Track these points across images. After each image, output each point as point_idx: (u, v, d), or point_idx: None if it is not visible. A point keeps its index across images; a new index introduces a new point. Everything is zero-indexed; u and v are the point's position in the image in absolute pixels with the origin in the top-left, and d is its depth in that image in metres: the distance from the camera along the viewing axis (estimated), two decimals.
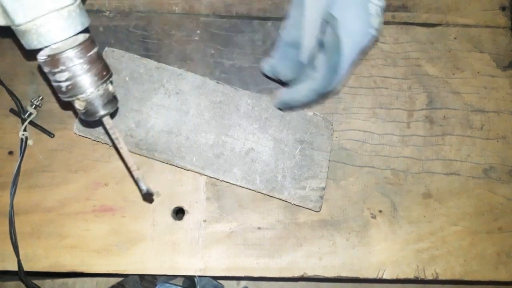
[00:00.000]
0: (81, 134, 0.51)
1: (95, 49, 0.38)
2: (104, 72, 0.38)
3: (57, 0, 0.34)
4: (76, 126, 0.50)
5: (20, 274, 0.49)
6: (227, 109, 0.52)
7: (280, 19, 0.57)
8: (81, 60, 0.36)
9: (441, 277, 0.51)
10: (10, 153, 0.52)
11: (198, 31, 0.56)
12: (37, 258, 0.49)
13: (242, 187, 0.51)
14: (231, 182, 0.50)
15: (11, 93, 0.52)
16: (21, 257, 0.49)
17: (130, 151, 0.51)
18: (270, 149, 0.51)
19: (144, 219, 0.51)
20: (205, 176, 0.52)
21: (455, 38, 0.57)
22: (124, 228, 0.50)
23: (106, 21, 0.55)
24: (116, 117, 0.51)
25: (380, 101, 0.55)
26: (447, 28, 0.58)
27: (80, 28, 0.37)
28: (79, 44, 0.36)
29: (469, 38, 0.57)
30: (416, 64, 0.56)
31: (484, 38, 0.58)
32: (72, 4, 0.35)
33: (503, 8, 0.59)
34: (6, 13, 0.34)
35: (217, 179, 0.51)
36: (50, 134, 0.52)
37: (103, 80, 0.38)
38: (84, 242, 0.50)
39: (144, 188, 0.41)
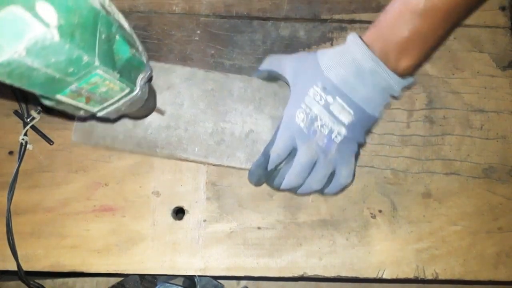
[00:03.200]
0: (80, 141, 0.50)
1: None
2: None
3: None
4: (74, 134, 0.50)
5: (20, 274, 0.49)
6: (220, 95, 0.52)
7: (280, 19, 0.57)
8: None
9: (441, 277, 0.51)
10: (10, 153, 0.52)
11: (198, 31, 0.56)
12: (37, 258, 0.49)
13: (248, 169, 0.51)
14: (237, 166, 0.51)
15: (18, 95, 0.52)
16: (21, 257, 0.49)
17: (132, 151, 0.51)
18: (269, 128, 0.51)
19: (144, 219, 0.51)
20: (205, 176, 0.52)
21: (454, 38, 0.57)
22: (124, 228, 0.50)
23: None
24: (113, 120, 0.50)
25: None
26: None
27: None
28: None
29: (468, 38, 0.57)
30: None
31: (483, 38, 0.58)
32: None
33: (502, 8, 0.59)
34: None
35: (222, 165, 0.51)
36: (49, 142, 0.52)
37: None
38: (84, 242, 0.50)
39: None
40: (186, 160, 0.51)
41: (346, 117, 0.45)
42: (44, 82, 0.26)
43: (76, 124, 0.51)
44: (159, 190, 0.52)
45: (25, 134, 0.52)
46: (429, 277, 0.51)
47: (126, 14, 0.56)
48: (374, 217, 0.52)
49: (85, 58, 0.26)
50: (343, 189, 0.49)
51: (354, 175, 0.48)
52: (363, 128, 0.47)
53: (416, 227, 0.52)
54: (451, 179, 0.54)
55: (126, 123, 0.51)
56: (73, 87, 0.29)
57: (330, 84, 0.45)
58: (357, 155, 0.48)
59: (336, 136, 0.45)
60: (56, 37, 0.23)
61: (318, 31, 0.57)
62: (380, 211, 0.52)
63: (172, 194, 0.52)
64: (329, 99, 0.45)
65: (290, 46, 0.56)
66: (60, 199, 0.51)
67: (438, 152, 0.54)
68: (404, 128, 0.55)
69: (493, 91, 0.56)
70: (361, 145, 0.48)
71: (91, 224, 0.50)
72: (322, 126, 0.45)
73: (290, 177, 0.46)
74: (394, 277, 0.51)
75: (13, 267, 0.49)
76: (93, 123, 0.50)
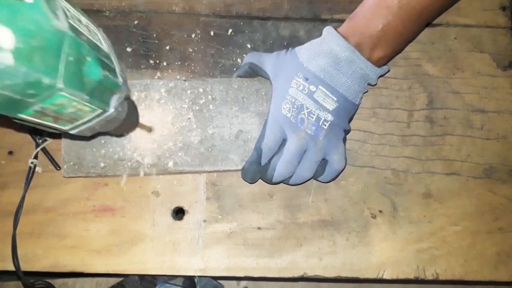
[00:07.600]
0: (71, 176, 0.50)
1: None
2: None
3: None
4: (63, 169, 0.49)
5: (19, 274, 0.49)
6: (202, 102, 0.52)
7: (280, 19, 0.57)
8: None
9: (441, 277, 0.51)
10: (10, 153, 0.52)
11: (198, 31, 0.56)
12: (37, 258, 0.49)
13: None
14: (232, 168, 0.50)
15: None
16: (21, 257, 0.49)
17: (125, 174, 0.50)
18: (257, 125, 0.52)
19: (144, 219, 0.51)
20: (205, 176, 0.52)
21: (455, 38, 0.57)
22: (124, 228, 0.50)
23: (106, 21, 0.55)
24: (100, 147, 0.50)
25: (380, 101, 0.55)
26: (448, 28, 0.58)
27: None
28: None
29: (469, 38, 0.57)
30: (416, 64, 0.56)
31: (484, 38, 0.57)
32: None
33: (503, 8, 0.59)
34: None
35: (218, 170, 0.51)
36: (56, 167, 0.52)
37: None
38: (84, 242, 0.50)
39: None
40: (181, 172, 0.51)
41: (331, 104, 0.47)
42: (3, 102, 0.26)
43: (63, 156, 0.49)
44: (159, 190, 0.52)
45: (35, 157, 0.51)
46: (430, 277, 0.51)
47: (126, 14, 0.56)
48: (374, 217, 0.52)
49: (46, 80, 0.27)
50: (337, 175, 0.49)
51: (346, 160, 0.49)
52: (347, 115, 0.48)
53: (417, 227, 0.52)
54: (451, 179, 0.54)
55: (114, 147, 0.50)
56: (37, 107, 0.29)
57: (311, 74, 0.47)
58: (344, 141, 0.49)
59: (323, 122, 0.47)
60: (10, 60, 0.24)
61: (318, 31, 0.56)
62: (380, 211, 0.52)
63: (172, 194, 0.52)
64: (312, 88, 0.47)
65: (290, 46, 0.56)
66: (60, 199, 0.51)
67: (438, 152, 0.54)
68: (404, 128, 0.55)
69: (494, 91, 0.56)
70: (346, 132, 0.50)
71: (91, 224, 0.50)
72: (309, 113, 0.47)
73: (280, 166, 0.47)
74: (395, 277, 0.50)
75: (13, 267, 0.49)
76: (80, 154, 0.49)
